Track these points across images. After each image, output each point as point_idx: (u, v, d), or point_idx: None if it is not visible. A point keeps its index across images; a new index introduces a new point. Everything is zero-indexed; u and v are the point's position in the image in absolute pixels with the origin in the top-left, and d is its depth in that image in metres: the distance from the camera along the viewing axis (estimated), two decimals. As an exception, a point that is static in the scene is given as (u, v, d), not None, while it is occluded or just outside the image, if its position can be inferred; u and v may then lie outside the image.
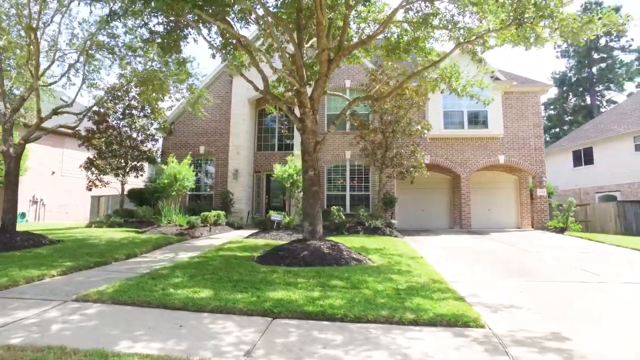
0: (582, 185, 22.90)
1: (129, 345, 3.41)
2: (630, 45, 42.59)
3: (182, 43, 10.18)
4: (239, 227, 14.23)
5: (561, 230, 13.63)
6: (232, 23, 9.23)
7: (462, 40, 7.50)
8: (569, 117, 46.21)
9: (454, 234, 13.84)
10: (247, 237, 10.72)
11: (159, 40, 10.17)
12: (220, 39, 10.67)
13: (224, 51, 10.77)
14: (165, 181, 12.22)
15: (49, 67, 9.06)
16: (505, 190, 17.13)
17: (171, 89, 11.61)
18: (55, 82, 9.66)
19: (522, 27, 5.92)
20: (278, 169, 11.88)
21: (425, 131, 12.97)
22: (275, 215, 11.33)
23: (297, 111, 8.84)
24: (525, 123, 15.63)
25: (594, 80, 44.04)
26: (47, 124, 9.57)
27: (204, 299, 4.59)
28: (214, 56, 11.23)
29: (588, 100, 44.93)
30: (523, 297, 5.31)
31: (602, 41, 42.15)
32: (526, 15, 5.76)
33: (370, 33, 10.43)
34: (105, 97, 13.34)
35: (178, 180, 12.35)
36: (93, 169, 14.51)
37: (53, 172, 22.35)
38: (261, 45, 10.94)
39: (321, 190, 16.12)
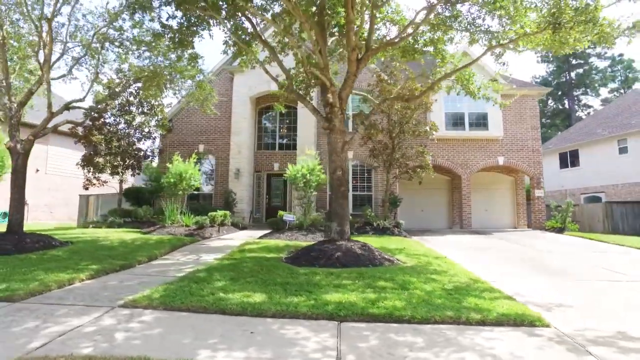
0: (568, 187, 23.77)
1: (211, 355, 3.25)
2: (606, 53, 44.64)
3: (195, 38, 9.92)
4: (243, 228, 13.97)
5: (560, 230, 14.09)
6: (254, 21, 9.03)
7: (493, 44, 7.58)
8: (548, 120, 47.94)
9: (457, 234, 14.06)
10: (261, 238, 10.52)
11: (170, 34, 9.88)
12: (232, 35, 10.47)
13: (234, 47, 10.56)
14: (171, 180, 11.83)
15: (58, 59, 8.56)
16: (502, 191, 17.57)
17: (178, 85, 11.25)
18: (64, 75, 9.15)
19: (559, 31, 6.05)
20: (290, 169, 11.73)
21: (434, 132, 13.11)
22: (287, 216, 11.17)
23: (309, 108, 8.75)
24: (523, 125, 16.08)
25: (572, 85, 45.89)
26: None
27: (262, 304, 4.44)
28: (225, 52, 10.99)
29: (567, 104, 46.73)
30: (566, 296, 5.41)
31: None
32: (564, 20, 5.88)
33: (385, 34, 10.49)
34: (104, 93, 12.81)
35: (184, 180, 11.98)
36: (90, 167, 13.88)
37: (37, 170, 21.28)
38: (277, 43, 10.72)
39: (324, 191, 16.05)
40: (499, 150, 15.93)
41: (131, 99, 14.12)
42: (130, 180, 16.66)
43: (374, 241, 10.28)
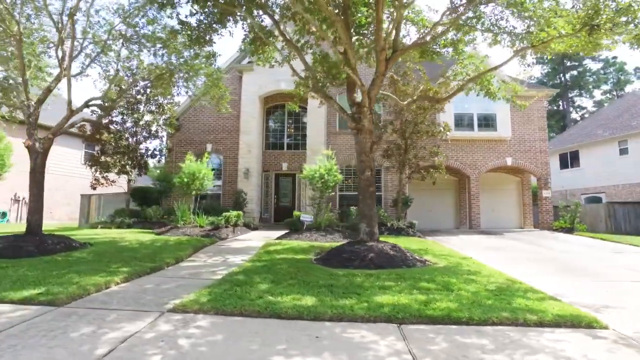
0: (568, 187, 24.07)
1: (285, 361, 3.17)
2: (600, 55, 45.37)
3: (214, 36, 9.78)
4: (255, 228, 13.84)
5: (568, 231, 14.23)
6: (276, 17, 8.92)
7: (517, 45, 7.60)
8: (543, 122, 48.52)
9: (468, 234, 14.11)
10: (279, 239, 10.40)
11: (188, 32, 9.73)
12: (250, 32, 10.35)
13: (251, 45, 10.43)
14: (185, 180, 11.64)
15: (76, 55, 8.33)
16: (509, 191, 17.70)
17: (192, 83, 11.09)
18: (80, 72, 8.93)
19: (595, 32, 6.07)
20: (307, 169, 11.63)
21: (447, 133, 13.13)
22: (304, 216, 11.08)
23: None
24: (531, 126, 16.22)
25: (567, 86, 46.55)
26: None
27: (316, 307, 4.36)
28: (243, 50, 10.88)
29: (562, 105, 47.39)
30: (606, 297, 5.42)
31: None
32: (601, 21, 5.90)
33: (404, 34, 10.47)
34: (113, 90, 12.57)
35: (197, 179, 11.81)
36: (97, 166, 13.61)
37: (36, 169, 20.82)
38: (296, 41, 10.60)
39: (334, 191, 15.99)
40: (507, 151, 16.04)
41: (139, 97, 13.88)
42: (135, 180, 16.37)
43: (393, 242, 10.24)
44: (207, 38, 9.93)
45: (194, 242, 9.21)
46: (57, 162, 21.80)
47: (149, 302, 4.60)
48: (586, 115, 46.75)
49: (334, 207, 15.63)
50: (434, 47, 9.75)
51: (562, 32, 6.43)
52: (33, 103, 7.79)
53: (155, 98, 14.30)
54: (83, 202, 19.61)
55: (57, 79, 7.99)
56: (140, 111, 14.12)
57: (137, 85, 13.29)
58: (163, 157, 15.43)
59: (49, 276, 5.45)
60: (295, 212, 12.21)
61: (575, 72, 46.80)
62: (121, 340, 3.47)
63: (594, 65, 47.19)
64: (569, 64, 46.32)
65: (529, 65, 7.93)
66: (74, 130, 22.74)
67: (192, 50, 9.71)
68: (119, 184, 15.01)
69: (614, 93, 48.42)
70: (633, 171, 20.58)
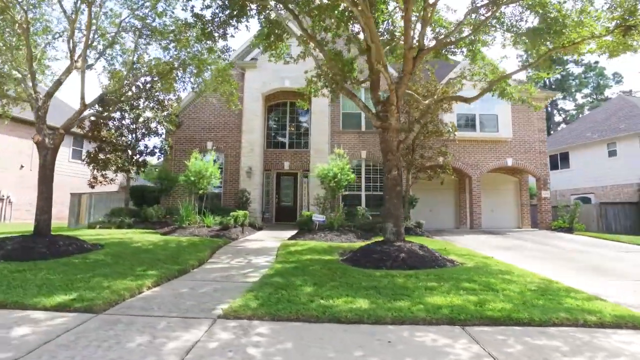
0: (558, 188, 24.67)
1: (371, 367, 3.00)
2: (582, 60, 46.85)
3: (229, 29, 9.49)
4: (260, 228, 13.56)
5: (568, 230, 14.54)
6: (296, 13, 8.70)
7: (547, 46, 7.64)
8: (528, 124, 49.73)
9: (473, 234, 14.22)
10: (293, 239, 10.17)
11: (202, 25, 9.41)
12: (264, 27, 10.09)
13: (266, 41, 10.19)
14: (192, 178, 11.25)
15: (89, 46, 7.85)
16: (507, 191, 17.98)
17: (201, 78, 10.74)
18: (92, 64, 8.44)
19: (631, 33, 6.13)
20: (319, 168, 11.43)
21: (455, 133, 13.19)
22: (317, 216, 10.88)
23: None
24: (531, 128, 16.50)
25: (552, 89, 47.85)
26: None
27: (373, 310, 4.21)
28: (258, 46, 10.61)
29: (547, 108, 48.69)
30: (643, 296, 5.48)
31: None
32: (637, 21, 5.95)
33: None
34: (112, 86, 12.05)
35: (205, 178, 11.44)
36: (94, 164, 13.04)
37: (22, 167, 19.93)
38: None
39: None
40: (508, 152, 16.27)
41: (141, 92, 13.37)
42: (135, 179, 15.81)
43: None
44: (222, 32, 9.65)
45: (208, 243, 8.90)
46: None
47: (192, 308, 4.34)
48: (568, 118, 48.27)
49: (338, 207, 15.48)
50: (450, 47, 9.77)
51: (595, 33, 6.50)
52: (42, 96, 7.32)
53: (157, 94, 13.82)
54: (73, 202, 18.80)
55: (68, 71, 7.53)
56: (140, 107, 13.60)
57: (139, 80, 12.76)
58: (162, 155, 14.92)
59: (75, 280, 5.10)
60: (305, 212, 12.01)
61: (559, 76, 48.14)
62: (185, 350, 3.22)
63: (576, 70, 48.74)
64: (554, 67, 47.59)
65: (550, 67, 7.96)
66: (52, 124, 21.98)
67: (206, 44, 9.36)
68: (112, 183, 14.45)
69: (594, 97, 50.11)
70: (621, 173, 21.26)
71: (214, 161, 12.01)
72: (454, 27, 8.42)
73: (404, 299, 4.66)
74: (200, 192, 11.55)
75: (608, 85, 49.98)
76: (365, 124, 16.61)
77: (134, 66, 10.48)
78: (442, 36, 8.54)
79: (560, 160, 25.19)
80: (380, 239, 10.69)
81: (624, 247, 10.89)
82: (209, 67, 10.38)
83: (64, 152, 22.00)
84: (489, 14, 8.72)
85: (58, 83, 7.45)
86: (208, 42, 9.81)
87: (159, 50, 9.88)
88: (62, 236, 7.48)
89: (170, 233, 10.78)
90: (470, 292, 5.05)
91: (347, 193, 16.12)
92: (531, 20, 7.98)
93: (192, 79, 11.41)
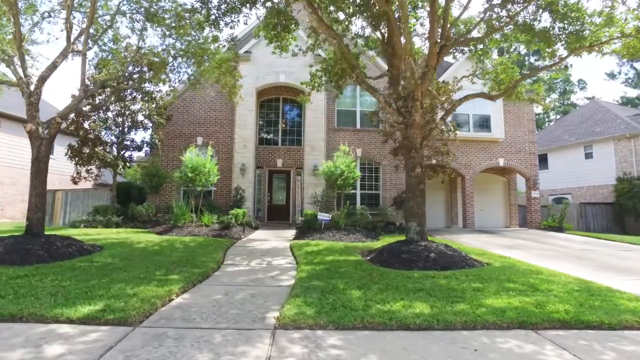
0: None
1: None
2: (552, 66, 49.07)
3: (239, 17, 8.95)
4: (256, 227, 13.01)
5: (559, 230, 14.96)
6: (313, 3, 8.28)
7: (556, 46, 7.68)
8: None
9: (469, 233, 14.32)
10: (300, 238, 9.74)
11: (206, 12, 8.83)
12: (269, 17, 9.62)
13: (273, 31, 9.72)
14: (189, 175, 10.57)
15: (87, 28, 7.04)
16: (496, 191, 18.32)
17: (202, 68, 10.10)
18: (90, 48, 7.62)
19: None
20: (324, 165, 11.04)
21: (456, 132, 13.19)
22: (322, 215, 10.50)
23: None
24: (521, 129, 16.88)
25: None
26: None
27: (443, 315, 3.94)
28: (259, 35, 10.09)
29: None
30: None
31: (532, 59, 47.93)
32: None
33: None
34: (98, 75, 11.14)
35: (203, 174, 10.79)
36: (77, 158, 12.04)
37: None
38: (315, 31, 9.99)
39: (333, 189, 15.53)
40: (499, 152, 16.56)
41: (130, 82, 12.46)
42: (124, 174, 14.80)
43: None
44: (229, 20, 9.09)
45: (214, 243, 8.35)
46: (12, 154, 19.28)
47: (240, 318, 3.89)
48: (538, 122, 50.36)
49: (333, 206, 15.18)
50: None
51: (625, 32, 6.57)
52: (34, 80, 6.52)
53: (144, 85, 12.95)
54: (47, 199, 17.41)
55: (64, 54, 6.74)
56: (127, 99, 12.70)
57: (139, 66, 11.82)
58: (150, 150, 14.03)
59: (92, 287, 4.49)
60: (308, 211, 11.60)
61: (529, 80, 50.15)
62: (262, 366, 2.81)
63: (544, 75, 50.97)
64: (524, 71, 49.57)
65: (565, 67, 8.02)
66: (20, 116, 20.25)
67: (211, 32, 8.77)
68: (98, 179, 13.47)
69: (561, 102, 52.67)
70: (597, 174, 22.28)
71: (211, 157, 11.34)
72: (471, 26, 8.31)
73: (459, 301, 4.42)
74: (199, 189, 10.90)
75: (573, 91, 52.71)
76: (361, 122, 16.39)
77: (140, 52, 9.64)
78: (463, 32, 8.40)
79: (539, 162, 26.04)
80: (388, 238, 10.53)
81: (620, 245, 11.25)
82: (210, 58, 9.75)
83: (34, 145, 20.39)
84: (503, 12, 8.69)
85: (53, 66, 6.64)
86: (212, 30, 9.25)
87: (155, 38, 9.12)
88: (58, 236, 6.72)
89: (166, 232, 10.08)
90: (519, 292, 4.90)
91: (341, 192, 15.85)
92: (545, 19, 7.97)
93: (188, 70, 10.77)
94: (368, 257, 7.00)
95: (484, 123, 16.48)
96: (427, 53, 7.38)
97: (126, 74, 11.33)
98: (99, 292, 4.29)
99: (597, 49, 7.07)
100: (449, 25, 7.91)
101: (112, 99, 8.87)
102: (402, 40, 7.12)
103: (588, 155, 23.00)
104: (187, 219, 11.24)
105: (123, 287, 4.53)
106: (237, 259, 7.09)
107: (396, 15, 8.02)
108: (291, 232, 11.70)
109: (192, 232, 9.96)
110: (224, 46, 9.27)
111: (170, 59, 10.11)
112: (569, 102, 52.20)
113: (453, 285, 5.16)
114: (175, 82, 11.11)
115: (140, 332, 3.44)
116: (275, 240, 9.90)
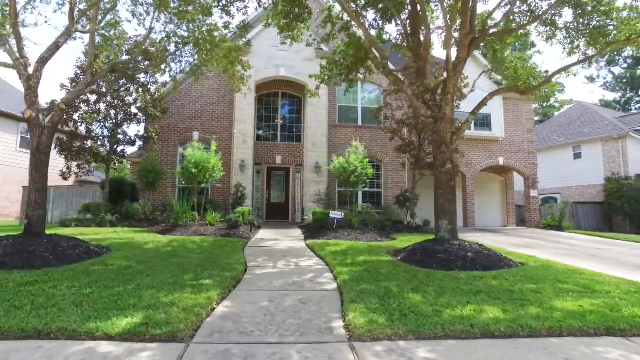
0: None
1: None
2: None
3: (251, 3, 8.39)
4: (259, 226, 12.45)
5: (558, 229, 15.07)
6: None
7: (577, 43, 7.54)
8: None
9: (472, 232, 14.20)
10: (314, 238, 9.25)
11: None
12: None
13: (286, 19, 9.24)
14: (193, 171, 9.90)
15: (92, 5, 6.30)
16: (493, 190, 18.40)
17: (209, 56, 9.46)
18: (97, 28, 6.83)
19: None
20: (336, 161, 10.61)
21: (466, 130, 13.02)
22: (334, 214, 10.07)
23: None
24: (520, 128, 16.97)
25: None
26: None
27: (525, 320, 3.60)
28: (270, 24, 9.56)
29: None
30: None
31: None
32: None
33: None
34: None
35: (207, 170, 10.15)
36: (67, 153, 11.15)
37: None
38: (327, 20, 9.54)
39: (334, 187, 15.15)
40: (499, 151, 16.59)
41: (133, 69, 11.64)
42: (117, 169, 13.89)
43: (418, 239, 9.62)
44: (240, 5, 8.55)
45: (227, 243, 7.80)
46: (-14, 148, 17.93)
47: (303, 329, 3.42)
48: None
49: (334, 204, 14.79)
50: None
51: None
52: (32, 62, 5.79)
53: (138, 76, 12.17)
54: (26, 197, 16.25)
55: (67, 34, 6.03)
56: (121, 90, 11.88)
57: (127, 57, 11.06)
58: (144, 145, 13.20)
59: (120, 295, 3.91)
60: (316, 209, 11.18)
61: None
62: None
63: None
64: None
65: (589, 64, 7.91)
66: (5, 109, 18.90)
67: (221, 18, 8.19)
68: (89, 175, 12.56)
69: (541, 105, 54.14)
70: (586, 174, 22.80)
71: (215, 152, 10.70)
72: (499, 19, 8.09)
73: (526, 304, 4.11)
74: (203, 185, 10.25)
75: (548, 96, 54.35)
76: (362, 118, 16.05)
77: (148, 39, 8.87)
78: (493, 24, 8.16)
79: (528, 162, 26.47)
80: (403, 237, 10.22)
81: (630, 245, 11.33)
82: (217, 46, 9.13)
83: (11, 140, 19.07)
84: (524, 7, 8.52)
85: (55, 47, 5.91)
86: (223, 15, 8.66)
87: (158, 25, 8.44)
88: (61, 236, 6.01)
89: (169, 232, 9.40)
90: (579, 294, 4.64)
91: (342, 189, 15.46)
92: (565, 14, 7.82)
93: (191, 59, 10.12)
94: (399, 257, 6.63)
95: (484, 121, 16.47)
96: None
97: (132, 60, 10.56)
98: (131, 301, 3.73)
99: (635, 41, 6.91)
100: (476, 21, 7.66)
101: (115, 87, 8.11)
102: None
103: (577, 156, 23.51)
104: (189, 218, 10.57)
105: (155, 295, 3.97)
106: (259, 260, 6.57)
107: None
108: (297, 232, 11.22)
109: (198, 232, 9.33)
110: (235, 33, 8.66)
111: (173, 47, 9.46)
112: (548, 104, 53.90)
113: (506, 286, 4.86)
114: (177, 73, 10.41)
115: (198, 350, 2.92)
116: (286, 240, 9.40)
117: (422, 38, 7.73)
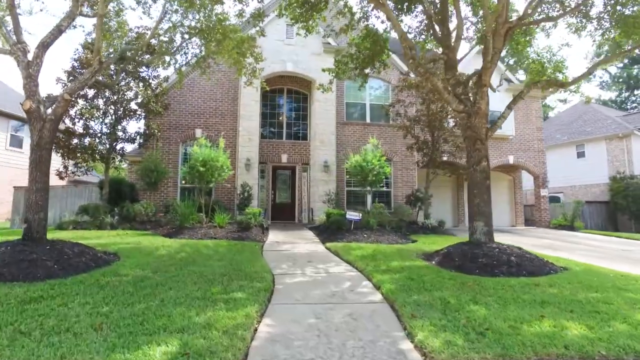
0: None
1: None
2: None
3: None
4: (267, 228, 11.88)
5: (570, 228, 14.76)
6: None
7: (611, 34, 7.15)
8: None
9: (485, 232, 13.82)
10: (333, 241, 8.69)
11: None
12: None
13: (301, 9, 8.71)
14: (200, 169, 9.30)
15: None
16: (501, 189, 18.04)
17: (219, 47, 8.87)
18: (105, 13, 6.20)
19: None
20: (352, 159, 10.09)
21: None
22: (351, 215, 9.54)
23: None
24: (530, 126, 16.63)
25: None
26: None
27: (616, 340, 3.13)
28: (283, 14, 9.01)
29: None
30: None
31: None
32: None
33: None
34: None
35: (215, 169, 9.56)
36: (64, 150, 10.46)
37: None
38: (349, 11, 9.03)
39: (342, 187, 14.65)
40: (509, 149, 16.24)
41: (127, 66, 10.99)
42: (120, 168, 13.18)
43: (433, 240, 9.20)
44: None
45: (243, 247, 7.24)
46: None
47: (369, 353, 2.90)
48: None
49: (343, 204, 14.27)
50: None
51: None
52: (31, 48, 5.17)
53: (139, 70, 11.53)
54: (17, 197, 15.42)
55: (70, 17, 5.40)
56: (121, 85, 11.21)
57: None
58: (145, 142, 12.54)
59: (145, 315, 3.34)
60: (330, 210, 10.64)
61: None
62: None
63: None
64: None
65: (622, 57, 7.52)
66: (-6, 106, 18.00)
67: (236, 5, 7.62)
68: (88, 174, 11.87)
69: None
70: (589, 173, 22.64)
71: (223, 150, 10.10)
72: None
73: (606, 318, 3.63)
74: (211, 185, 9.66)
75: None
76: (371, 116, 15.57)
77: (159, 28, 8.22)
78: (529, 12, 7.70)
79: (530, 161, 26.27)
80: (423, 238, 9.75)
81: (645, 244, 11.05)
82: (228, 36, 8.55)
83: (0, 138, 18.16)
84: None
85: (57, 31, 5.28)
86: (236, 2, 8.08)
87: (157, 13, 7.80)
88: (64, 242, 5.39)
89: (176, 235, 8.78)
90: (651, 304, 4.19)
91: (351, 189, 14.97)
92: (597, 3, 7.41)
93: (197, 50, 9.53)
94: (434, 262, 6.15)
95: (494, 119, 16.06)
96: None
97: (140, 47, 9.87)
98: (159, 323, 3.16)
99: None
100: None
101: (119, 78, 7.47)
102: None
103: (580, 154, 23.34)
104: (195, 220, 9.97)
105: (186, 313, 3.40)
106: (284, 266, 6.02)
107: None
108: (308, 233, 10.68)
109: (208, 235, 8.74)
110: (249, 22, 8.09)
111: (179, 38, 8.86)
112: (543, 103, 54.13)
113: (568, 295, 4.39)
114: (182, 65, 9.79)
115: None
116: (302, 242, 8.86)
117: (450, 27, 7.25)
